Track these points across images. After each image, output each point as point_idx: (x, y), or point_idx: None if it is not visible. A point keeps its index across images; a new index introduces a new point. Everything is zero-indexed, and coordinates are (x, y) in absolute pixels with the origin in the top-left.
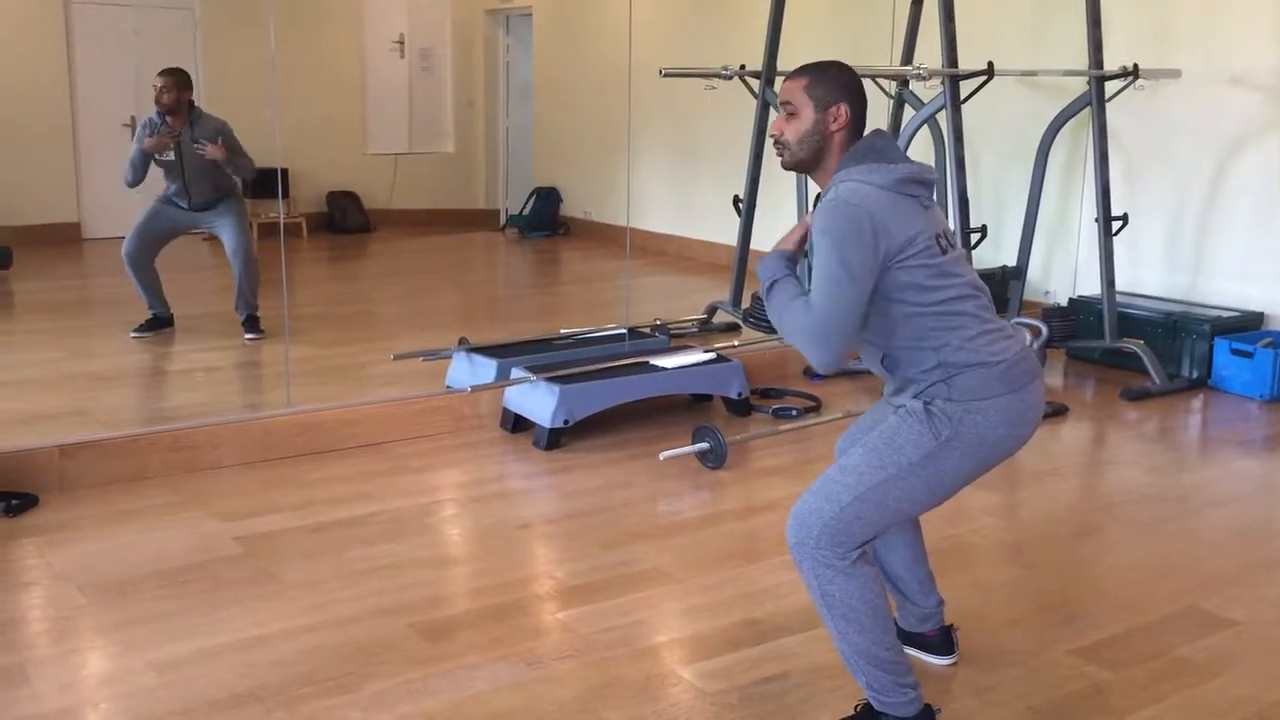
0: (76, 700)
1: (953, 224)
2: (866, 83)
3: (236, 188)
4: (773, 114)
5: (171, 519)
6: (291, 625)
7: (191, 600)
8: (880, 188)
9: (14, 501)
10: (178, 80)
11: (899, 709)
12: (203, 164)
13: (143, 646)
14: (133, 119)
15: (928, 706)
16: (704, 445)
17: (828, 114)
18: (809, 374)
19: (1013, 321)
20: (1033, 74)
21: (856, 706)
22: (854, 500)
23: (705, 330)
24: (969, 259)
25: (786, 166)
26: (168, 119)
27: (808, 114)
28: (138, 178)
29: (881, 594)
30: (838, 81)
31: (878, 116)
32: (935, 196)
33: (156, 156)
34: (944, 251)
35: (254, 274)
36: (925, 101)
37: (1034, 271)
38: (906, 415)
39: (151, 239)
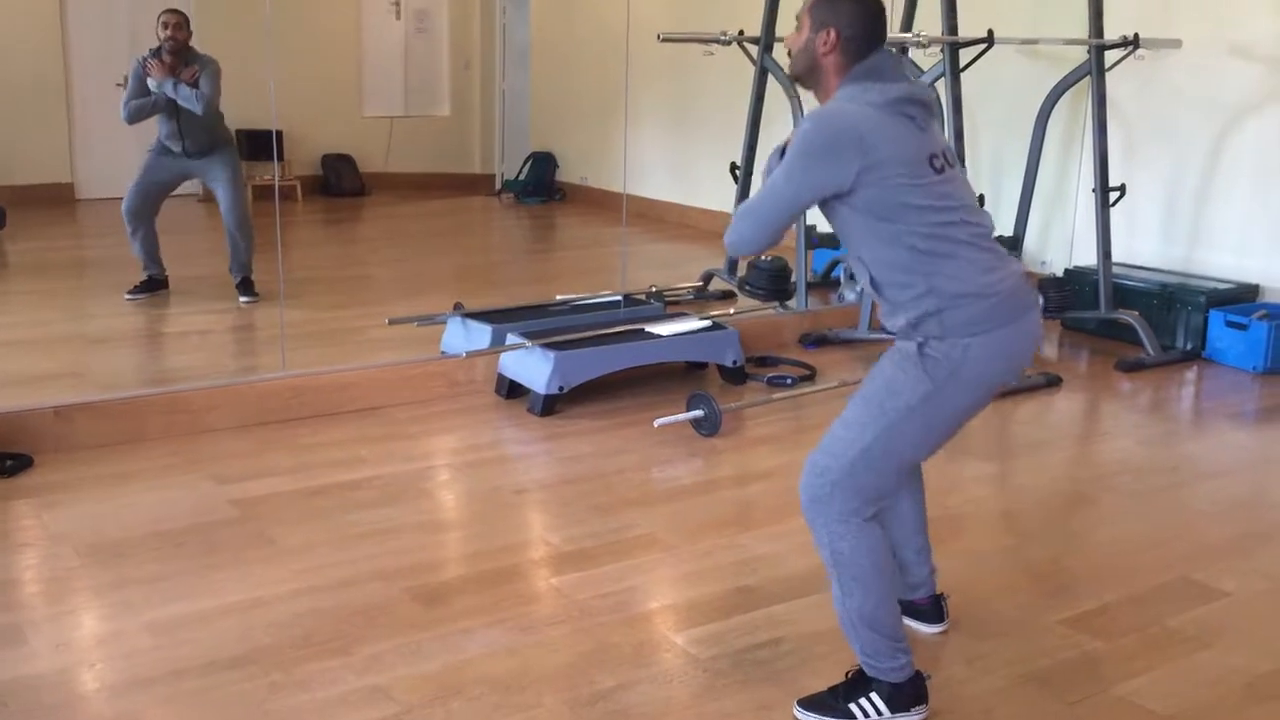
0: (72, 660)
1: None
2: None
3: (231, 137)
4: (772, 80)
5: (167, 481)
6: (286, 588)
7: (187, 562)
8: (871, 105)
9: (9, 462)
10: (185, 20)
11: (890, 675)
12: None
13: (138, 608)
14: (126, 79)
15: (918, 673)
16: (698, 413)
17: (818, 36)
18: (805, 342)
19: None
20: (1033, 42)
21: (848, 673)
22: (861, 452)
23: (701, 298)
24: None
25: (789, 76)
26: (166, 58)
27: (805, 32)
28: (135, 117)
29: (888, 557)
30: (838, 7)
31: None
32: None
33: (153, 90)
34: (939, 171)
35: (248, 233)
36: (924, 69)
37: (1030, 241)
38: (902, 360)
39: (151, 192)
